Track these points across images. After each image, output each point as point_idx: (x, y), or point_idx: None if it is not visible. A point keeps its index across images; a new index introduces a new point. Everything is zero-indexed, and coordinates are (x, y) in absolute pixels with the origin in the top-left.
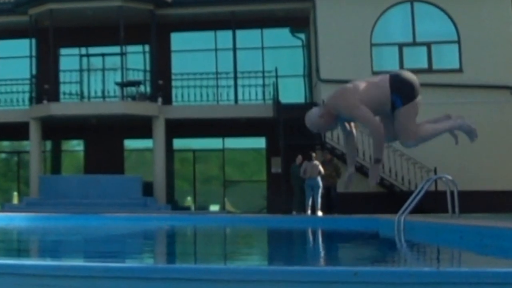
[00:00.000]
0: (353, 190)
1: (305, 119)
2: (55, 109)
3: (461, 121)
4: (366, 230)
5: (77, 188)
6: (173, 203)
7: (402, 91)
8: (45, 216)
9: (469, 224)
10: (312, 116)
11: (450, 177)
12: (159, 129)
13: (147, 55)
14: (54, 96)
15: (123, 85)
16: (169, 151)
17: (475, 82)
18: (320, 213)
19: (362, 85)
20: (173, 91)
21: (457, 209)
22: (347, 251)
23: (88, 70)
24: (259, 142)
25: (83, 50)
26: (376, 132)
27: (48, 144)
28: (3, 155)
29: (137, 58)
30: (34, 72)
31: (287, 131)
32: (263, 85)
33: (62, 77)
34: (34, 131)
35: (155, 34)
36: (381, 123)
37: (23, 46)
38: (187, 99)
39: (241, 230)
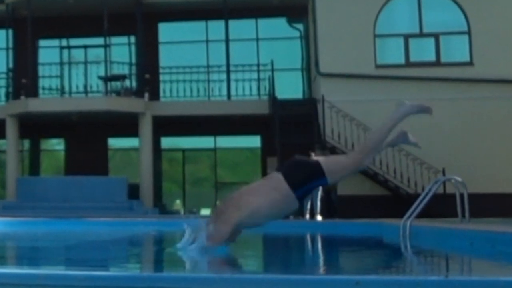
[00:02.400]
0: (355, 192)
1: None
2: (34, 105)
3: (403, 109)
4: (369, 236)
5: (57, 190)
6: (161, 207)
7: (311, 174)
8: (23, 221)
9: (480, 229)
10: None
11: (459, 179)
12: (146, 126)
13: (133, 47)
14: (32, 91)
15: (107, 79)
16: (157, 150)
17: (486, 76)
18: (319, 218)
19: (255, 198)
20: (161, 86)
21: (467, 213)
22: (349, 258)
23: (69, 63)
24: (254, 141)
25: (64, 42)
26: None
27: (26, 143)
28: None
29: (122, 50)
30: (11, 65)
31: (284, 129)
32: (258, 80)
33: (41, 70)
34: (11, 129)
35: (141, 24)
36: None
37: None
38: (176, 94)
39: None
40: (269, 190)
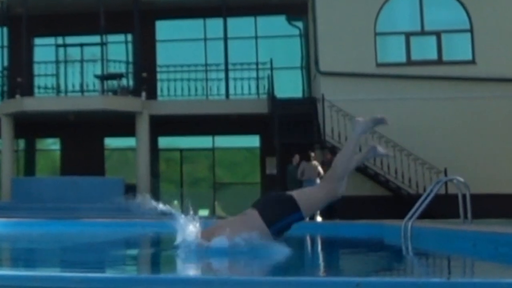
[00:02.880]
0: (356, 193)
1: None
2: (29, 104)
3: (359, 128)
4: (370, 237)
5: (53, 191)
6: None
7: (286, 210)
8: (18, 222)
9: (482, 231)
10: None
11: (461, 179)
12: (143, 126)
13: (130, 45)
14: (27, 90)
15: (103, 78)
16: (154, 150)
17: (489, 75)
18: (319, 219)
19: (227, 234)
20: (158, 85)
21: (469, 214)
22: (349, 260)
23: (65, 61)
24: (253, 141)
25: (60, 40)
26: None
27: (21, 143)
28: None
29: (119, 48)
30: (5, 63)
31: (283, 128)
32: (257, 78)
33: (37, 69)
34: (6, 128)
35: (138, 22)
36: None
37: None
38: (174, 93)
39: None
40: (243, 227)
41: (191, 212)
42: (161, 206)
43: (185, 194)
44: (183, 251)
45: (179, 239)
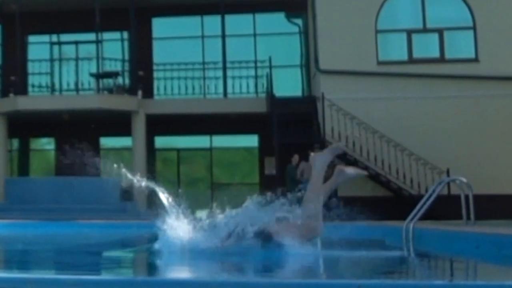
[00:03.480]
0: (356, 193)
1: None
2: (23, 103)
3: (318, 164)
4: (371, 238)
5: (47, 191)
6: (155, 209)
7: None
8: (12, 223)
9: (485, 232)
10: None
11: (464, 180)
12: (139, 125)
13: (126, 43)
14: (21, 88)
15: (98, 76)
16: (151, 150)
17: (492, 73)
18: None
19: None
20: (155, 83)
21: (472, 215)
22: (350, 261)
23: (60, 59)
24: (251, 140)
25: (54, 38)
26: None
27: (15, 143)
28: None
29: (115, 46)
30: None
31: (282, 128)
32: (256, 77)
33: (31, 67)
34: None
35: (134, 20)
36: None
37: None
38: (171, 92)
39: None
40: None
41: (184, 209)
42: (160, 194)
43: (182, 194)
44: (164, 250)
45: (163, 237)
